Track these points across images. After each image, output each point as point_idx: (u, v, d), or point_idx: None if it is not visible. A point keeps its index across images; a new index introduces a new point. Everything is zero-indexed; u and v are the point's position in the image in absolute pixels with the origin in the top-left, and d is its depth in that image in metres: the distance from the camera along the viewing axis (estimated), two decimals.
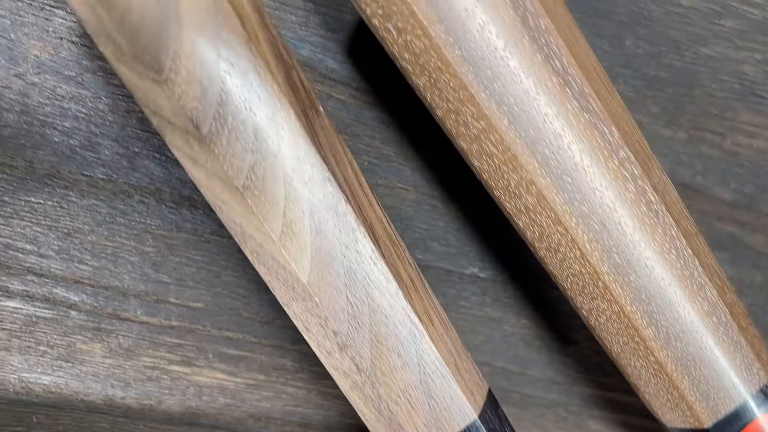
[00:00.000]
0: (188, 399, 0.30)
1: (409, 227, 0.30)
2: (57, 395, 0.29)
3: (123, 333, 0.29)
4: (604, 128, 0.23)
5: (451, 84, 0.22)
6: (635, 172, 0.24)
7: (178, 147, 0.21)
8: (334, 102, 0.28)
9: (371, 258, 0.23)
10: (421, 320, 0.24)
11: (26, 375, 0.29)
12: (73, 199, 0.27)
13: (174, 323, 0.29)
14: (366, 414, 0.25)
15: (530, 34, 0.22)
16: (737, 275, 0.33)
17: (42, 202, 0.27)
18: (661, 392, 0.27)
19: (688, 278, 0.25)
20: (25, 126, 0.26)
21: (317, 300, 0.23)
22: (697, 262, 0.25)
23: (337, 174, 0.22)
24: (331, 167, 0.22)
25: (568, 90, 0.22)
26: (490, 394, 0.26)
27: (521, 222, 0.25)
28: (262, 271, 0.23)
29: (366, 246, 0.23)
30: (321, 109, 0.22)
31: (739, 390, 0.27)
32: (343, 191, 0.22)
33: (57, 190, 0.27)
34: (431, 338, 0.24)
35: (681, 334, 0.26)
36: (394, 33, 0.22)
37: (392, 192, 0.30)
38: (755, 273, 0.33)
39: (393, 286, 0.23)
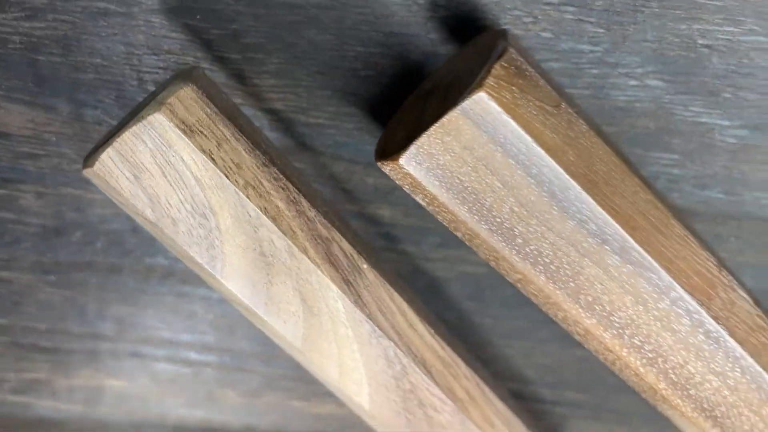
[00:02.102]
0: (311, 424, 0.36)
1: (499, 287, 0.31)
2: (206, 424, 0.36)
3: (249, 380, 0.35)
4: (651, 275, 0.22)
5: (484, 247, 0.22)
6: (690, 308, 0.23)
7: (241, 312, 0.25)
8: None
9: (424, 386, 0.25)
10: (479, 427, 0.26)
11: (182, 411, 0.36)
12: (189, 290, 0.32)
13: (288, 372, 0.34)
14: None
15: (559, 205, 0.21)
16: None
17: (165, 293, 0.32)
18: None
19: (756, 390, 0.25)
20: (137, 240, 0.31)
21: (380, 420, 0.26)
22: (767, 375, 0.24)
23: (384, 325, 0.24)
24: (378, 321, 0.24)
25: (606, 247, 0.22)
26: None
27: (576, 337, 0.25)
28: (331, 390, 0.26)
29: (417, 377, 0.25)
30: (365, 266, 0.24)
31: None
32: (391, 338, 0.24)
33: (175, 284, 0.32)
34: None
35: None
36: (423, 203, 0.22)
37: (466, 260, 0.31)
38: None
39: (448, 405, 0.26)
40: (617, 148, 0.23)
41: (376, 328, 0.24)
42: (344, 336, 0.24)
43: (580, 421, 0.35)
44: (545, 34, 0.26)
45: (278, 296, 0.23)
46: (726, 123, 0.28)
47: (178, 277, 0.32)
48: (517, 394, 0.34)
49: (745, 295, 0.24)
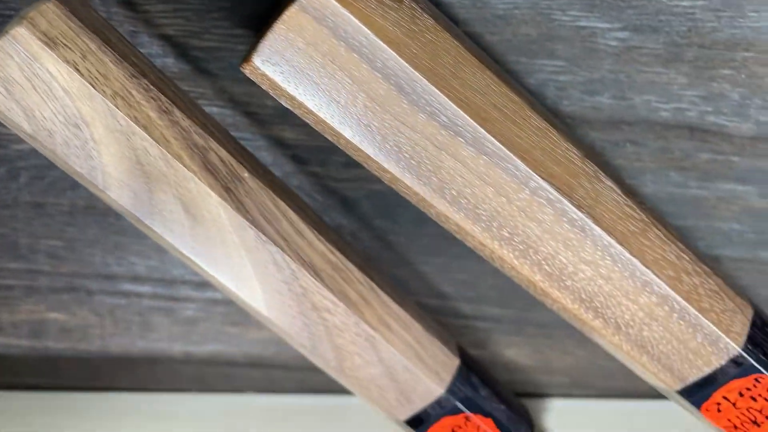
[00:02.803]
0: (247, 349, 0.37)
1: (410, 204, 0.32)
2: (147, 353, 0.38)
3: (182, 309, 0.36)
4: (508, 165, 0.23)
5: (350, 147, 0.23)
6: (551, 197, 0.24)
7: (136, 225, 0.26)
8: None
9: (315, 289, 0.27)
10: (374, 328, 0.28)
11: (123, 341, 0.37)
12: (113, 221, 0.33)
13: (219, 297, 0.36)
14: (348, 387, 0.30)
15: (408, 98, 0.22)
16: None
17: (90, 225, 0.33)
18: (627, 362, 0.28)
19: (629, 278, 0.26)
20: (58, 173, 0.32)
21: (279, 325, 0.27)
22: (638, 263, 0.25)
23: (269, 231, 0.25)
24: (261, 227, 0.25)
25: (460, 139, 0.23)
26: (461, 367, 0.30)
27: (456, 236, 0.26)
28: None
29: (307, 281, 0.26)
30: (245, 174, 0.25)
31: (705, 361, 0.27)
32: (277, 244, 0.26)
33: (97, 217, 0.33)
34: (387, 341, 0.28)
35: (631, 323, 0.27)
36: (289, 106, 0.23)
37: None
38: None
39: (341, 307, 0.27)
40: (470, 44, 0.24)
41: (261, 234, 0.25)
42: (231, 242, 0.25)
43: (502, 335, 0.36)
44: None
45: (161, 205, 0.24)
46: (606, 26, 0.28)
47: (100, 208, 0.33)
48: (437, 311, 0.36)
49: (612, 185, 0.25)
